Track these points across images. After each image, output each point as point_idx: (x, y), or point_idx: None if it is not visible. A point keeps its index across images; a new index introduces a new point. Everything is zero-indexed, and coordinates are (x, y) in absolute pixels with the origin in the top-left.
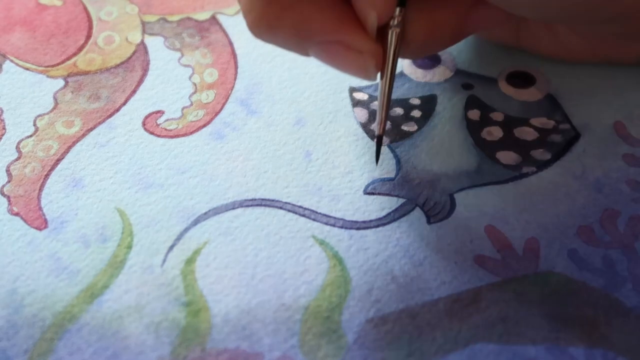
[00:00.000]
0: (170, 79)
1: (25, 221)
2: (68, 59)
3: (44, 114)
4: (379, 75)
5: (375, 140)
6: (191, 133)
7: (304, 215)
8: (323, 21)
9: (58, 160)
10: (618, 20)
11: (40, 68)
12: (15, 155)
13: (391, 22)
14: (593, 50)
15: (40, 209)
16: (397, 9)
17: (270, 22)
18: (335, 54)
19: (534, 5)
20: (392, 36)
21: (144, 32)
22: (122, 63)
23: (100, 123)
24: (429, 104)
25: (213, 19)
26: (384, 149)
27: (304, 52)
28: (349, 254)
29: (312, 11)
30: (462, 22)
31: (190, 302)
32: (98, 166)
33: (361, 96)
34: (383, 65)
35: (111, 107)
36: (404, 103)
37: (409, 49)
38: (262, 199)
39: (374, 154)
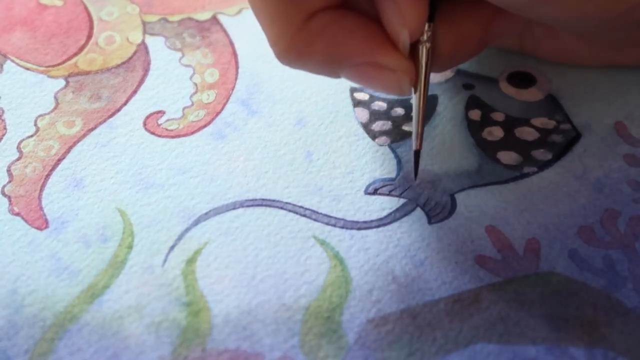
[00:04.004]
0: (171, 79)
1: (26, 221)
2: (69, 59)
3: (45, 114)
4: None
5: (413, 154)
6: (192, 133)
7: (304, 216)
8: (354, 44)
9: (59, 160)
10: (634, 28)
11: (41, 68)
12: (16, 155)
13: (421, 38)
14: (597, 54)
15: (41, 209)
16: (427, 25)
17: (301, 50)
18: (369, 74)
19: (562, 17)
20: (423, 51)
21: (144, 32)
22: (123, 63)
23: (101, 123)
24: (429, 104)
25: (214, 19)
26: (385, 149)
27: (335, 75)
28: (350, 254)
29: (343, 35)
30: (486, 33)
31: (190, 302)
32: (99, 166)
33: (362, 96)
34: (416, 80)
35: (112, 107)
36: (405, 103)
37: (437, 63)
38: (263, 199)
39: (374, 154)
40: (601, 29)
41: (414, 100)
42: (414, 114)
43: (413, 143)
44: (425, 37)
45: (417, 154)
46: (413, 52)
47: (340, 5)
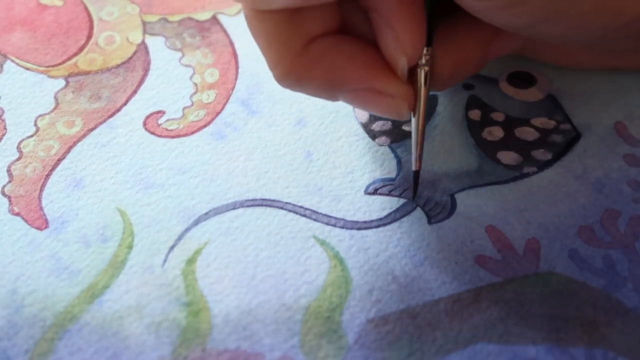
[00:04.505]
0: (171, 79)
1: (26, 221)
2: (69, 59)
3: (45, 114)
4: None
5: (413, 173)
6: (192, 133)
7: (304, 216)
8: (353, 70)
9: (59, 160)
10: (634, 37)
11: (41, 68)
12: (16, 155)
13: (419, 62)
14: (598, 60)
15: (41, 209)
16: (425, 49)
17: (300, 75)
18: (367, 100)
19: (564, 34)
20: (421, 75)
21: (144, 32)
22: (123, 63)
23: (101, 123)
24: (430, 104)
25: (214, 19)
26: (385, 149)
27: (334, 99)
28: (350, 254)
29: (342, 61)
30: (485, 52)
31: (190, 302)
32: (99, 166)
33: None
34: (414, 104)
35: (112, 107)
36: None
37: (436, 84)
38: (263, 199)
39: (374, 154)
40: (602, 39)
41: (413, 122)
42: (412, 135)
43: (413, 164)
44: (423, 60)
45: (416, 174)
46: (411, 75)
47: (338, 30)
